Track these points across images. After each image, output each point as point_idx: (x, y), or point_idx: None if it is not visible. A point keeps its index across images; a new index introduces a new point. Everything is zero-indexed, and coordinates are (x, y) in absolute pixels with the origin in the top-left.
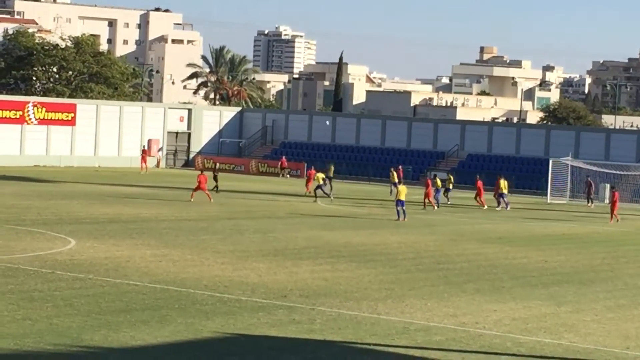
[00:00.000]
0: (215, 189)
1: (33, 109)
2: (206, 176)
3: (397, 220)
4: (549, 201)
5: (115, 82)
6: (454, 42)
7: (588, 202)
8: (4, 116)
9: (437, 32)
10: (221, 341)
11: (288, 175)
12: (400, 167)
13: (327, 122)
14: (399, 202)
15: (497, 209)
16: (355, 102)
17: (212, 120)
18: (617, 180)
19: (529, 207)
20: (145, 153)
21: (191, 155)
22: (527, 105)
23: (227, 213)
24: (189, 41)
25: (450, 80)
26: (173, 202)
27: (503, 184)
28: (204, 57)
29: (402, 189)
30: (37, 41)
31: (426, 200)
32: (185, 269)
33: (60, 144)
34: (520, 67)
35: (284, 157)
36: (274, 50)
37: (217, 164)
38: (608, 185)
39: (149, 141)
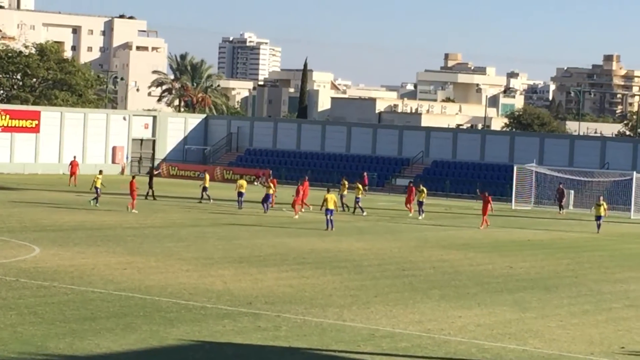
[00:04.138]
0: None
1: None
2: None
3: (326, 230)
4: (513, 207)
5: (79, 89)
6: (418, 49)
7: (560, 210)
8: None
9: (402, 39)
10: (186, 348)
11: (257, 182)
12: (365, 173)
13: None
14: (328, 211)
15: (419, 217)
16: (320, 108)
17: (177, 127)
18: (581, 186)
19: (494, 213)
20: (74, 164)
21: (156, 162)
22: (492, 112)
23: (191, 220)
24: (153, 48)
25: (415, 87)
26: (138, 209)
27: (423, 191)
28: (170, 65)
29: (330, 197)
30: (0, 48)
31: (409, 206)
32: (150, 276)
33: (25, 151)
34: (485, 74)
35: (270, 171)
36: (238, 57)
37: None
38: (572, 192)
39: (113, 148)
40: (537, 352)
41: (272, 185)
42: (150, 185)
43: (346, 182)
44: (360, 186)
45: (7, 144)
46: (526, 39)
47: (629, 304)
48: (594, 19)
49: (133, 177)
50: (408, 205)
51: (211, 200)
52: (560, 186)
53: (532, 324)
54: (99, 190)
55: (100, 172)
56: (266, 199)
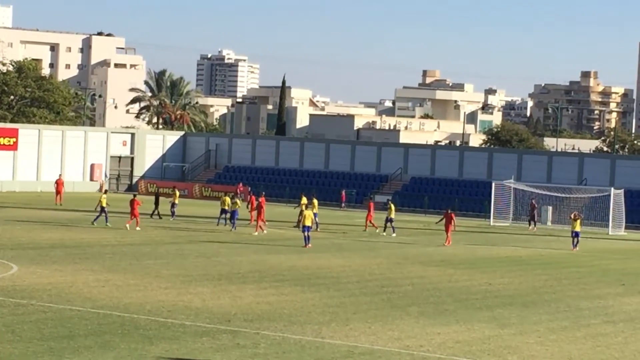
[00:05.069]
0: (157, 214)
1: None
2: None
3: (305, 247)
4: (492, 224)
5: (57, 107)
6: (396, 65)
7: (529, 225)
8: None
9: (380, 56)
10: None
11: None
12: (343, 191)
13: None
14: (305, 228)
15: (382, 233)
16: (298, 125)
17: (155, 144)
18: (559, 203)
19: (472, 229)
20: (60, 183)
21: (134, 180)
22: (470, 129)
23: (170, 237)
24: (131, 65)
25: (393, 103)
26: (116, 226)
27: (392, 207)
28: (146, 82)
29: (308, 214)
30: None
31: (368, 222)
32: (129, 294)
33: (2, 169)
34: (463, 91)
35: (241, 184)
36: (217, 74)
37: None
38: (550, 208)
39: (92, 166)
40: None
41: (237, 202)
42: (157, 205)
43: (304, 198)
44: (315, 202)
45: None
46: (504, 55)
47: (607, 320)
48: (571, 36)
49: (134, 196)
50: (369, 222)
51: (172, 218)
52: (532, 201)
53: (510, 340)
54: (105, 209)
55: (105, 191)
56: (232, 215)
